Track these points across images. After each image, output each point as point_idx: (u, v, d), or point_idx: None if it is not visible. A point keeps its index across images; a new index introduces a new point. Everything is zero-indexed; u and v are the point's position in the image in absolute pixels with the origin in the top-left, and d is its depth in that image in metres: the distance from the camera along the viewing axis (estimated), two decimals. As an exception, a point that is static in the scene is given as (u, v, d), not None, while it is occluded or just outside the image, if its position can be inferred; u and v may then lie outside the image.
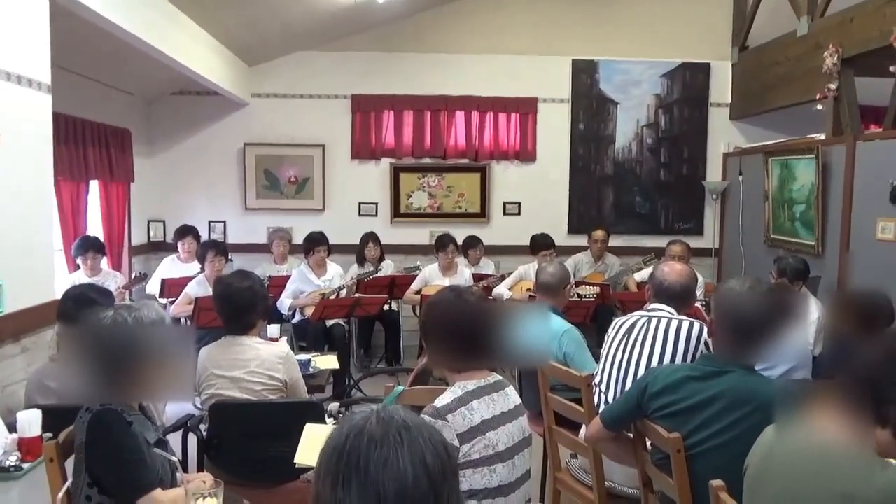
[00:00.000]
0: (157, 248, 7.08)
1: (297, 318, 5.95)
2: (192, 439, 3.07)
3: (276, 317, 5.62)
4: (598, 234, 6.77)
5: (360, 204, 7.31)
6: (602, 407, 2.97)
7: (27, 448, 2.53)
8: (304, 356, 3.88)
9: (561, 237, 6.96)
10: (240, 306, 3.06)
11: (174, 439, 2.62)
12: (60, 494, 2.03)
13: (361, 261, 6.55)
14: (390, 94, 7.16)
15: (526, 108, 7.27)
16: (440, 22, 7.18)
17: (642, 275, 6.21)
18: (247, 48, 6.47)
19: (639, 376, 2.86)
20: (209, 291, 4.80)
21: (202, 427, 3.05)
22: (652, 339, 3.03)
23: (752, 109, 7.07)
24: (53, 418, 2.47)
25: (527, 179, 7.37)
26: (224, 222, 7.25)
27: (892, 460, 1.48)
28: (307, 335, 5.75)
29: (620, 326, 3.20)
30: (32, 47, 3.24)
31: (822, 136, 5.57)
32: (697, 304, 4.40)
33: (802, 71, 5.90)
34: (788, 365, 3.83)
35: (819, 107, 5.54)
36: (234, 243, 6.97)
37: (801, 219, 5.77)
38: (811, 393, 1.94)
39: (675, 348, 2.98)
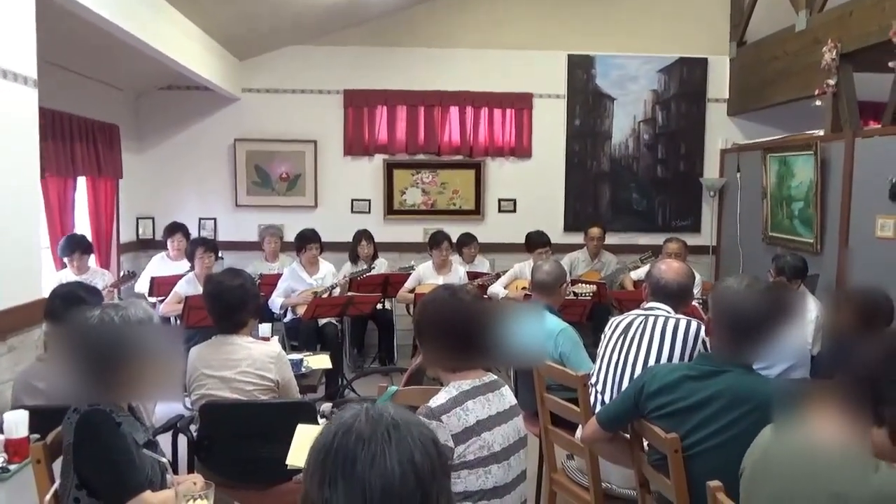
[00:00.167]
0: (146, 246, 7.06)
1: (289, 316, 5.94)
2: (183, 440, 3.07)
3: (268, 316, 5.62)
4: (595, 231, 6.78)
5: (352, 201, 7.30)
6: (598, 407, 2.98)
7: (14, 449, 2.52)
8: (296, 356, 3.88)
9: (557, 234, 6.97)
10: (231, 305, 3.06)
11: (164, 440, 2.61)
12: (48, 497, 2.02)
13: (354, 259, 6.54)
14: (383, 89, 7.15)
15: (521, 104, 7.27)
16: (434, 16, 7.17)
17: (639, 273, 6.23)
18: (237, 42, 6.45)
19: (635, 376, 2.87)
20: (199, 290, 4.79)
21: (192, 428, 3.05)
22: (649, 339, 3.04)
23: (750, 105, 7.08)
24: (41, 419, 2.46)
25: (522, 176, 7.38)
26: (214, 219, 7.23)
27: (885, 462, 1.49)
28: (299, 334, 5.74)
29: (617, 325, 3.21)
30: (18, 41, 3.22)
31: (821, 133, 5.58)
32: (695, 303, 4.41)
33: (801, 66, 5.92)
34: (786, 364, 3.84)
35: (818, 102, 5.56)
36: (224, 241, 6.94)
37: (799, 216, 5.79)
38: (809, 393, 1.95)
39: (672, 347, 2.99)
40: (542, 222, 6.84)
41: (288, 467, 2.39)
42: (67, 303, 2.77)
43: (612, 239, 7.06)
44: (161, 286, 5.73)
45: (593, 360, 3.36)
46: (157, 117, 7.12)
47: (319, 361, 4.01)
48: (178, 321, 5.21)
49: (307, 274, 5.97)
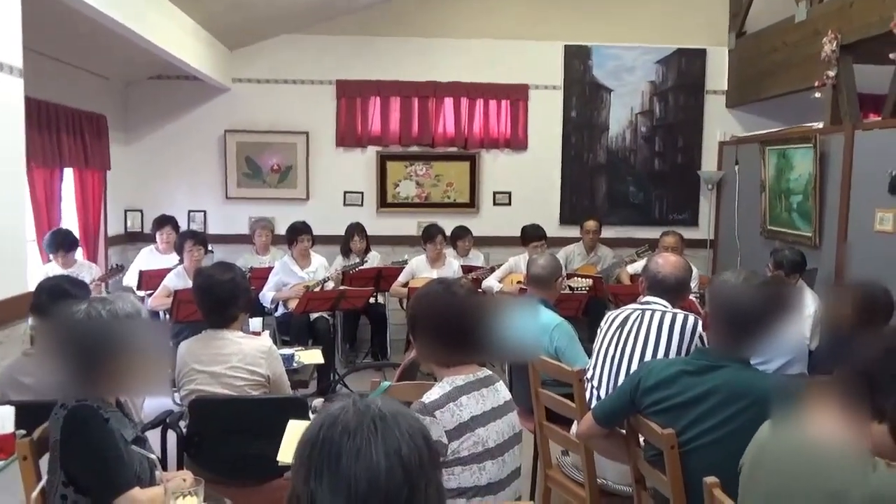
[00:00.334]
0: (135, 239, 7.04)
1: (280, 311, 5.93)
2: (172, 436, 3.06)
3: (259, 310, 5.60)
4: (591, 224, 6.78)
5: (345, 193, 7.29)
6: (594, 402, 2.99)
7: (0, 446, 2.51)
8: (287, 350, 3.87)
9: (552, 228, 6.97)
10: (221, 299, 3.05)
11: (153, 436, 2.61)
12: (35, 494, 2.02)
13: (346, 252, 6.53)
14: (377, 80, 7.13)
15: (517, 95, 7.27)
16: (429, 5, 7.15)
17: (636, 267, 6.24)
18: (227, 31, 6.42)
19: (632, 371, 2.87)
20: (188, 283, 4.78)
21: (182, 424, 3.04)
22: (645, 333, 3.05)
23: (748, 97, 7.09)
24: (27, 415, 2.46)
25: (517, 168, 7.38)
26: (204, 212, 7.21)
27: (883, 461, 1.49)
28: (290, 329, 5.74)
29: (613, 320, 3.21)
30: (3, 29, 3.20)
31: (820, 125, 5.60)
32: (692, 297, 4.43)
33: (800, 58, 5.93)
34: (784, 359, 3.86)
35: (817, 94, 5.57)
36: (214, 234, 6.94)
37: (798, 209, 5.80)
38: (807, 389, 1.96)
39: (669, 342, 3.00)
40: (537, 215, 6.84)
41: (279, 464, 2.39)
42: (54, 297, 2.76)
43: (608, 232, 7.07)
44: (150, 280, 5.71)
45: (589, 355, 3.37)
46: (146, 108, 7.09)
47: (311, 356, 4.00)
48: (167, 315, 5.20)
49: (299, 267, 5.96)
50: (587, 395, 3.07)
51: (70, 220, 5.88)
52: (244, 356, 3.03)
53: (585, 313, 5.40)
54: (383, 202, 7.30)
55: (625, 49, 7.31)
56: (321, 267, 6.07)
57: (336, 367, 5.86)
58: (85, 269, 5.36)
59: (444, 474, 1.97)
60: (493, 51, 7.21)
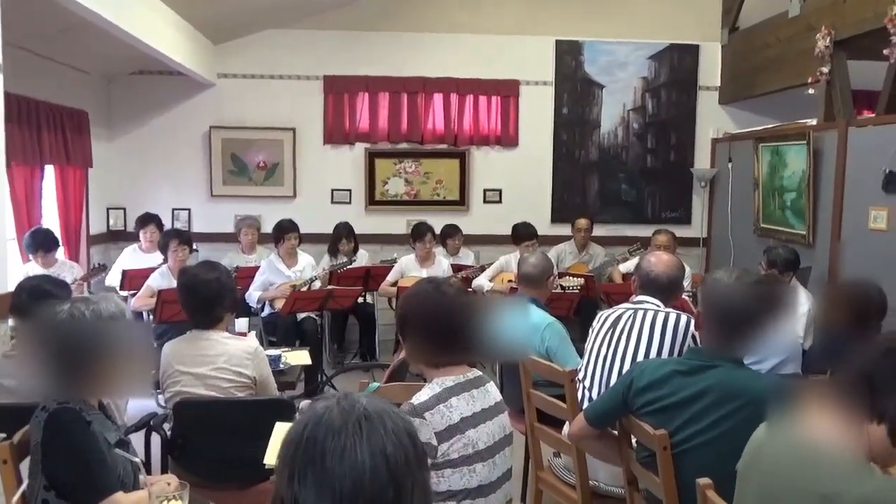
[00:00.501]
0: (117, 238, 7.01)
1: (267, 311, 5.92)
2: (156, 439, 3.06)
3: (245, 310, 5.60)
4: (582, 222, 6.80)
5: (332, 191, 7.28)
6: (586, 403, 3.00)
7: (-21, 450, 2.50)
8: (274, 351, 3.86)
9: (543, 226, 6.99)
10: (206, 299, 3.04)
11: (136, 439, 2.60)
12: (15, 498, 2.01)
13: (334, 251, 6.52)
14: (365, 76, 7.12)
15: (507, 91, 7.27)
16: (418, -1, 7.16)
17: (628, 265, 6.26)
18: (212, 25, 6.39)
19: (624, 371, 2.88)
20: (173, 283, 4.76)
21: (166, 426, 3.04)
22: (638, 333, 3.06)
23: (742, 93, 7.13)
24: (7, 418, 2.44)
25: (508, 166, 7.38)
26: (188, 210, 7.19)
27: (878, 467, 1.50)
28: (277, 329, 5.73)
29: (605, 319, 3.23)
30: (-19, 23, 3.18)
31: (814, 122, 5.63)
32: (685, 296, 4.45)
33: (794, 53, 5.96)
34: (778, 358, 3.89)
35: (811, 91, 5.60)
36: (199, 232, 6.91)
37: (791, 207, 5.84)
38: (804, 390, 1.97)
39: (661, 342, 3.01)
40: (528, 213, 6.86)
41: (265, 467, 2.39)
42: (34, 297, 2.74)
43: (600, 230, 7.09)
44: (133, 279, 5.68)
45: (581, 355, 3.38)
46: (129, 103, 7.05)
47: (298, 357, 4.00)
48: (151, 316, 5.18)
49: (285, 266, 5.95)
50: (579, 395, 3.08)
51: (51, 218, 5.85)
52: (230, 357, 3.03)
53: (577, 313, 5.42)
54: (371, 200, 7.29)
55: (617, 44, 7.32)
56: (308, 266, 6.06)
57: (324, 368, 5.86)
58: (66, 268, 5.33)
59: (433, 477, 1.97)
60: (483, 46, 7.21)
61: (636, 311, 3.13)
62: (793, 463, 1.59)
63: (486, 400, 2.12)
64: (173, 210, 7.13)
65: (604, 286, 6.05)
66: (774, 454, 1.65)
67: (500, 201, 7.42)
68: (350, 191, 7.29)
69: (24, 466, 2.08)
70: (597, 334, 3.22)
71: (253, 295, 5.82)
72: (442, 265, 6.23)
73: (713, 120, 7.44)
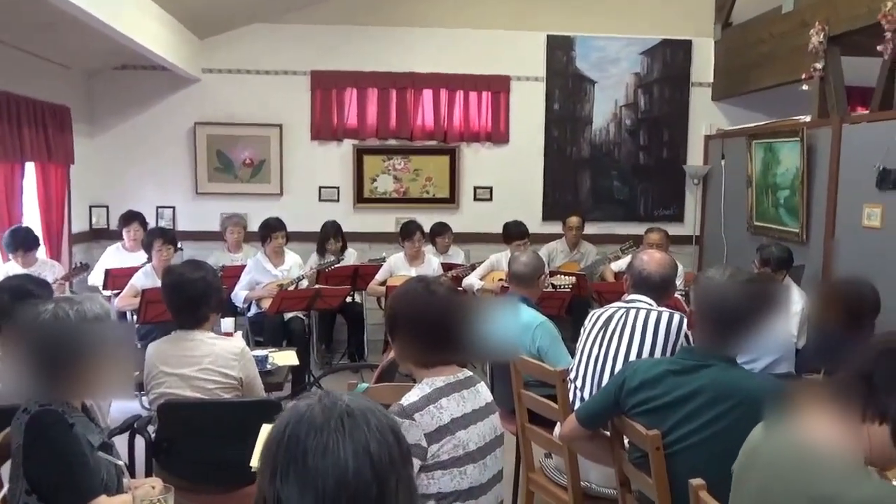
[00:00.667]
0: (100, 236, 6.97)
1: (253, 311, 5.91)
2: (140, 442, 3.05)
3: (231, 310, 5.58)
4: (573, 220, 6.82)
5: (320, 188, 7.27)
6: (578, 404, 3.01)
7: (-42, 453, 2.48)
8: (260, 352, 3.86)
9: (535, 224, 7.00)
10: (191, 298, 3.04)
11: (120, 442, 2.59)
12: (-4, 503, 2.00)
13: (322, 250, 6.51)
14: (353, 71, 7.11)
15: (498, 87, 7.28)
16: (406, -7, 7.15)
17: (620, 264, 6.28)
18: (197, 18, 6.37)
19: (616, 371, 2.90)
20: (157, 283, 4.75)
21: (150, 429, 3.03)
22: (630, 332, 3.07)
23: (735, 89, 7.16)
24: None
25: (499, 163, 7.39)
26: (173, 208, 7.16)
27: (874, 469, 1.51)
28: (264, 329, 5.71)
29: (597, 319, 3.23)
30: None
31: (808, 119, 5.66)
32: (678, 295, 4.47)
33: (787, 49, 5.99)
34: (772, 357, 3.92)
35: (804, 87, 5.63)
36: (183, 230, 6.88)
37: (785, 205, 5.87)
38: (800, 390, 1.98)
39: (654, 341, 3.02)
40: (519, 211, 6.87)
41: (252, 469, 2.38)
42: (15, 297, 2.73)
43: (591, 229, 7.11)
44: (116, 279, 5.66)
45: (572, 355, 3.39)
46: (111, 99, 7.02)
47: (285, 358, 4.00)
48: (134, 316, 5.16)
49: (272, 265, 5.93)
50: (570, 396, 3.09)
51: (32, 216, 5.81)
52: (216, 358, 3.02)
53: (569, 312, 5.43)
54: (360, 197, 7.28)
55: (609, 40, 7.34)
56: (295, 265, 6.05)
57: (311, 368, 5.85)
58: (47, 267, 5.30)
59: (423, 478, 1.98)
60: (473, 41, 7.21)
61: (628, 310, 3.14)
62: (789, 465, 1.60)
63: (476, 400, 2.12)
64: (157, 208, 7.10)
65: (595, 285, 6.07)
66: (770, 456, 1.66)
67: (490, 199, 7.42)
68: (338, 188, 7.28)
69: (6, 470, 2.07)
70: (588, 334, 3.23)
71: (239, 294, 5.81)
72: (432, 264, 6.23)
73: (706, 116, 7.47)
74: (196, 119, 7.07)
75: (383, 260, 6.40)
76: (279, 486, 1.11)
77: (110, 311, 2.13)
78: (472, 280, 6.13)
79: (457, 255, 6.81)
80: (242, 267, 6.00)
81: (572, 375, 3.20)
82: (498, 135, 7.34)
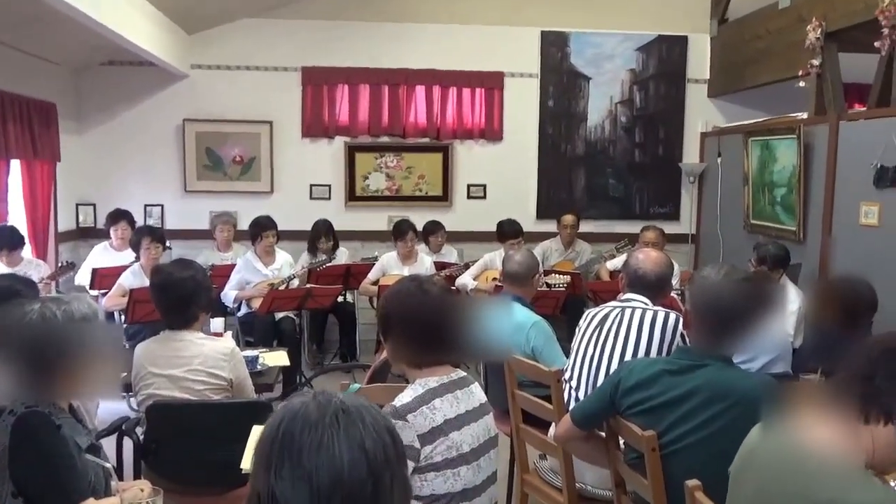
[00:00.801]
0: (87, 235, 6.94)
1: (244, 310, 5.90)
2: (128, 444, 3.04)
3: (221, 310, 5.58)
4: (568, 219, 6.82)
5: (311, 186, 7.26)
6: (572, 404, 3.01)
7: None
8: (251, 352, 3.86)
9: (529, 222, 7.00)
10: (180, 298, 3.03)
11: (108, 444, 2.59)
12: (-19, 506, 2.00)
13: (313, 248, 6.50)
14: (345, 67, 7.10)
15: (491, 83, 7.27)
16: (399, -12, 7.15)
17: (615, 263, 6.29)
18: (186, 13, 6.35)
19: (611, 371, 2.90)
20: (145, 282, 4.74)
21: (139, 430, 3.02)
22: (626, 332, 3.08)
23: (731, 86, 7.17)
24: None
25: (492, 160, 7.39)
26: (161, 206, 7.14)
27: (873, 473, 1.51)
28: (254, 329, 5.71)
29: (592, 318, 3.24)
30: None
31: (805, 116, 5.68)
32: (674, 294, 4.48)
33: (784, 45, 6.01)
34: (768, 357, 3.93)
35: (801, 84, 5.65)
36: (172, 229, 6.86)
37: (781, 203, 5.89)
38: (797, 390, 1.99)
39: (650, 341, 3.03)
40: (513, 209, 6.87)
41: (242, 471, 2.38)
42: (2, 297, 2.71)
43: (586, 227, 7.12)
44: (103, 278, 5.64)
45: (567, 355, 3.39)
46: (98, 95, 6.99)
47: (276, 358, 4.00)
48: (122, 316, 5.15)
49: (263, 264, 5.93)
50: (565, 396, 3.10)
51: (17, 215, 5.79)
52: (205, 359, 3.02)
53: (563, 311, 5.44)
54: (352, 195, 7.28)
55: (604, 35, 7.35)
56: (286, 264, 6.04)
57: (302, 369, 5.84)
58: (32, 267, 5.28)
59: (416, 481, 1.98)
60: (466, 37, 7.21)
61: (624, 309, 3.15)
62: (787, 468, 1.59)
63: (470, 401, 2.12)
64: (145, 206, 7.08)
65: (590, 284, 6.09)
66: (768, 458, 1.66)
67: (484, 197, 7.43)
68: (329, 186, 7.27)
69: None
70: (583, 333, 3.23)
71: (229, 294, 5.80)
72: (425, 263, 6.23)
73: (702, 113, 7.48)
74: (185, 116, 7.05)
75: (375, 259, 6.39)
76: (273, 482, 1.12)
77: (98, 312, 2.12)
78: (466, 279, 6.13)
79: (450, 253, 6.82)
80: (232, 266, 5.99)
81: (567, 375, 3.21)
82: (491, 132, 7.35)
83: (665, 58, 7.42)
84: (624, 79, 7.43)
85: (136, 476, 2.93)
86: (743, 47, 6.79)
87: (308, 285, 5.76)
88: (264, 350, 4.16)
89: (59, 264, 5.89)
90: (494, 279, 5.88)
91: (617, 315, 3.15)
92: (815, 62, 5.42)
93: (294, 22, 7.06)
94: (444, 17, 7.18)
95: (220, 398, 3.04)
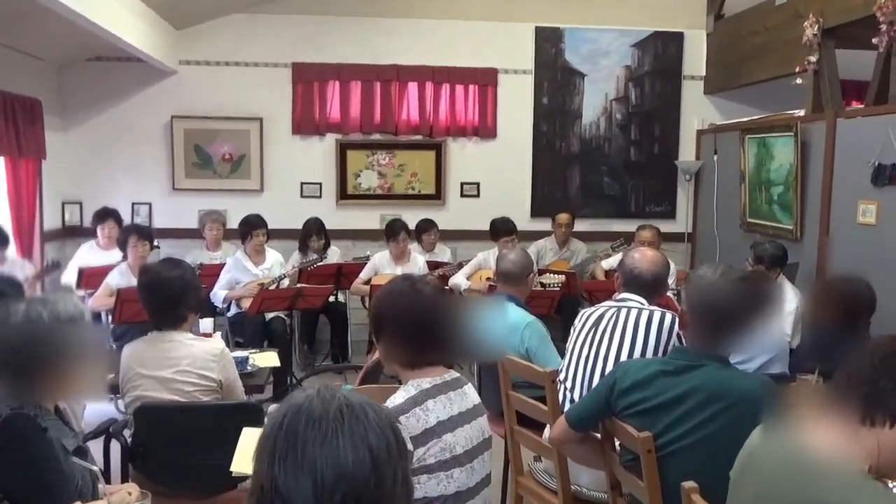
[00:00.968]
0: (73, 234, 6.92)
1: (233, 311, 5.89)
2: (116, 446, 3.03)
3: (210, 310, 5.56)
4: (563, 217, 6.83)
5: (302, 184, 7.25)
6: (567, 405, 3.02)
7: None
8: (241, 353, 3.86)
9: (523, 221, 7.01)
10: (169, 298, 3.03)
11: (95, 447, 2.58)
12: (-35, 510, 1.99)
13: (304, 247, 6.49)
14: (336, 63, 7.09)
15: (485, 80, 7.28)
16: (391, -17, 7.14)
17: (611, 262, 6.31)
18: (174, 8, 6.33)
19: (607, 372, 2.90)
20: (133, 282, 4.71)
21: (126, 433, 3.01)
22: (621, 332, 3.08)
23: (727, 83, 7.19)
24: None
25: (486, 158, 7.39)
26: (149, 204, 7.12)
27: (873, 476, 1.51)
28: (244, 330, 5.70)
29: (587, 318, 3.24)
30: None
31: (802, 113, 5.70)
32: (669, 294, 4.49)
33: (781, 42, 6.02)
34: (765, 357, 3.94)
35: (798, 81, 5.67)
36: (160, 228, 6.85)
37: (778, 201, 5.91)
38: (797, 392, 2.00)
39: (645, 341, 3.03)
40: (507, 208, 6.87)
41: (232, 474, 2.38)
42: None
43: (581, 226, 7.12)
44: (90, 278, 5.62)
45: (562, 356, 3.40)
46: (85, 92, 6.97)
47: (267, 359, 3.99)
48: (109, 316, 5.13)
49: (252, 264, 5.92)
50: (560, 397, 3.10)
51: (2, 213, 5.77)
52: (194, 359, 3.01)
53: (558, 311, 5.45)
54: (343, 194, 7.27)
55: (599, 32, 7.36)
56: (277, 263, 6.03)
57: (293, 370, 5.84)
58: (17, 266, 5.24)
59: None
60: (460, 33, 7.21)
61: (619, 309, 3.16)
62: (788, 471, 1.59)
63: (463, 402, 2.12)
64: (133, 204, 7.06)
65: (586, 283, 6.09)
66: (769, 462, 1.66)
67: (477, 195, 7.43)
68: (320, 184, 7.26)
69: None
70: (578, 333, 3.24)
71: (218, 294, 5.79)
72: (417, 262, 6.23)
73: (698, 110, 7.50)
74: (173, 112, 7.03)
75: (367, 258, 6.38)
76: (277, 473, 1.13)
77: (84, 312, 2.11)
78: (459, 279, 6.14)
79: (443, 252, 6.82)
80: (221, 265, 5.97)
81: (562, 376, 3.21)
82: (485, 129, 7.35)
83: (661, 54, 7.44)
84: (619, 75, 7.44)
85: (124, 479, 2.92)
86: (739, 44, 6.81)
87: (299, 285, 5.75)
88: (254, 351, 4.15)
89: (45, 264, 5.87)
90: (488, 278, 5.88)
91: (612, 315, 3.15)
92: (813, 59, 5.44)
93: (284, 17, 7.05)
94: (437, 13, 7.17)
95: (209, 400, 3.03)
